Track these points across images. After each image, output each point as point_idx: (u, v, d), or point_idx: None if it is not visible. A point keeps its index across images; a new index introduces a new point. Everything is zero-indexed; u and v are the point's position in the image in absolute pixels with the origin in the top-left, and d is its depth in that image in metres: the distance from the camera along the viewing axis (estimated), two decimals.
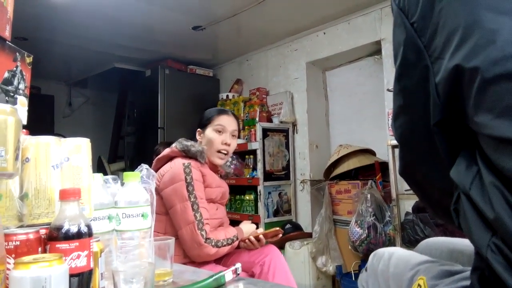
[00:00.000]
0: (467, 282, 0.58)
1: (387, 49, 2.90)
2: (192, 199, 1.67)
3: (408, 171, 0.65)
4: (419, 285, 0.66)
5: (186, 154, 1.79)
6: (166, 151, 1.86)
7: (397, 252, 0.90)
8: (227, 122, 1.89)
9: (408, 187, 2.31)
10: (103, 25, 3.27)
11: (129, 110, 4.51)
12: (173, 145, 1.85)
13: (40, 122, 4.48)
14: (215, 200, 1.84)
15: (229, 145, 1.88)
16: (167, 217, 1.72)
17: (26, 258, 0.65)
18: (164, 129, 3.89)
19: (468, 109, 0.47)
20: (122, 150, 4.81)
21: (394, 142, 2.18)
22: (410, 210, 2.33)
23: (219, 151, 1.85)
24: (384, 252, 0.94)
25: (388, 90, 2.46)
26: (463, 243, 0.94)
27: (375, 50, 3.17)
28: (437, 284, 0.64)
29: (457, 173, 0.51)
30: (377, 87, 3.15)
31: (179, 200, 1.67)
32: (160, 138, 3.84)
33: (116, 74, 4.53)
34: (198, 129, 1.92)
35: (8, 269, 0.66)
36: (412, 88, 0.56)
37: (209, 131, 1.87)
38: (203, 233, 1.63)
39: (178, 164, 1.74)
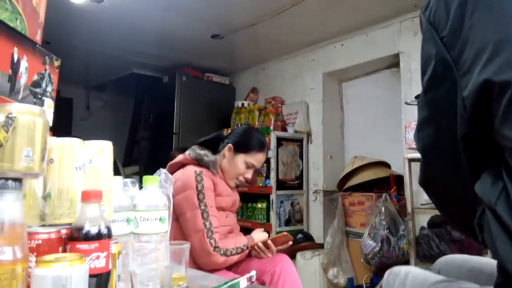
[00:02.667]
0: None
1: (405, 62, 2.89)
2: (202, 207, 1.67)
3: (429, 183, 0.64)
4: None
5: (199, 162, 1.80)
6: (179, 157, 1.87)
7: (413, 271, 0.89)
8: (260, 161, 1.90)
9: (424, 202, 2.28)
10: (123, 31, 3.34)
11: (145, 115, 4.57)
12: (187, 152, 1.86)
13: (59, 124, 4.53)
14: (225, 208, 1.84)
15: (247, 179, 1.90)
16: (177, 223, 1.73)
17: (48, 257, 0.67)
18: (179, 135, 3.93)
19: (495, 123, 0.47)
20: (137, 154, 4.86)
21: (411, 155, 2.16)
22: (425, 224, 2.29)
23: (236, 179, 1.87)
24: (400, 270, 0.93)
25: (406, 103, 2.44)
26: (483, 262, 0.92)
27: (393, 63, 3.16)
28: None
29: (482, 188, 0.51)
30: (393, 100, 3.13)
31: (189, 207, 1.68)
32: (175, 143, 3.88)
33: (134, 80, 4.60)
34: (230, 146, 1.86)
35: (30, 267, 0.67)
36: (439, 101, 0.56)
37: (240, 160, 1.84)
38: (212, 241, 1.63)
39: (190, 171, 1.75)
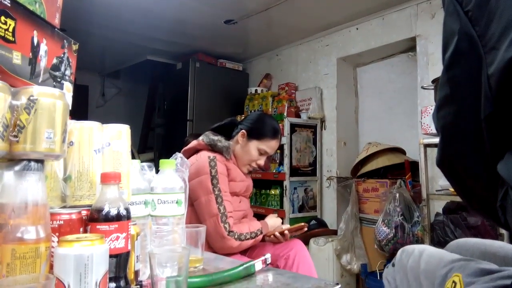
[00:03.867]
0: (507, 282, 0.57)
1: (422, 46, 2.83)
2: (216, 192, 1.69)
3: (448, 163, 0.63)
4: (453, 281, 0.65)
5: (212, 148, 1.81)
6: (193, 143, 1.89)
7: (428, 249, 0.88)
8: (273, 148, 1.90)
9: (439, 188, 2.26)
10: (138, 18, 3.34)
11: (159, 102, 4.60)
12: (200, 138, 1.88)
13: (75, 111, 4.61)
14: (239, 194, 1.86)
15: (259, 165, 1.90)
16: (192, 208, 1.75)
17: (70, 237, 0.69)
18: (193, 122, 3.95)
19: None
20: (152, 141, 4.91)
21: (427, 140, 2.13)
22: (440, 211, 2.27)
23: (249, 165, 1.88)
24: (414, 248, 0.92)
25: (423, 87, 2.40)
26: (496, 245, 0.91)
27: (409, 46, 3.10)
28: (473, 281, 0.62)
29: (505, 168, 0.49)
30: (409, 84, 3.08)
31: (203, 192, 1.70)
32: (189, 130, 3.90)
33: (148, 67, 4.62)
34: (243, 132, 1.87)
35: (53, 246, 0.69)
36: (461, 78, 0.55)
37: (253, 146, 1.85)
38: (227, 225, 1.65)
39: (203, 157, 1.76)
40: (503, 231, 1.82)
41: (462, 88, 0.56)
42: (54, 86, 0.79)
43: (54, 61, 0.77)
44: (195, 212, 1.74)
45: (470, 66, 0.53)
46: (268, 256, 1.02)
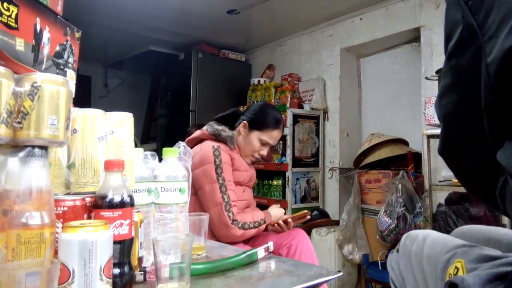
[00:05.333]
0: (510, 268, 0.57)
1: (427, 36, 2.81)
2: (220, 181, 1.69)
3: (449, 151, 0.63)
4: (456, 267, 0.66)
5: (216, 137, 1.81)
6: (197, 133, 1.89)
7: (432, 235, 0.88)
8: (275, 139, 1.90)
9: (442, 179, 2.26)
10: (140, 8, 3.32)
11: (162, 93, 4.59)
12: (204, 127, 1.88)
13: (78, 101, 4.61)
14: (242, 183, 1.86)
15: (262, 155, 1.90)
16: (195, 197, 1.76)
17: (74, 223, 0.69)
18: (195, 112, 3.94)
19: None
20: (155, 131, 4.92)
21: (430, 131, 2.12)
22: (442, 202, 2.27)
23: (252, 156, 1.88)
24: (418, 234, 0.92)
25: (427, 78, 2.38)
26: (501, 232, 0.91)
27: (414, 37, 3.07)
28: (476, 267, 0.62)
29: (505, 156, 0.50)
30: (413, 75, 3.06)
31: (208, 181, 1.70)
32: (192, 121, 3.90)
33: (151, 57, 4.61)
34: (245, 123, 1.87)
35: (57, 232, 0.70)
36: (463, 67, 0.55)
37: (255, 137, 1.85)
38: (230, 214, 1.66)
39: (208, 146, 1.77)
40: (505, 221, 1.82)
41: (464, 77, 0.56)
42: (57, 74, 0.79)
43: (57, 48, 0.77)
44: (199, 201, 1.75)
45: (471, 55, 0.53)
46: (270, 244, 1.03)
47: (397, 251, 0.94)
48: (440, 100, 0.61)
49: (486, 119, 0.52)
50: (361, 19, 3.31)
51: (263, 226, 1.76)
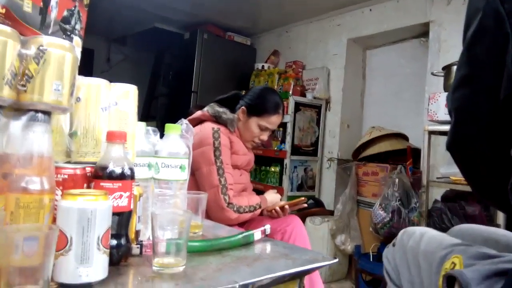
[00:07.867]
0: (508, 265, 0.57)
1: (435, 32, 2.78)
2: (218, 164, 1.69)
3: (459, 145, 0.62)
4: (453, 262, 0.66)
5: (217, 119, 1.80)
6: (197, 113, 1.88)
7: (430, 232, 0.89)
8: (275, 123, 1.88)
9: (440, 176, 2.26)
10: None
11: (164, 72, 4.55)
12: (205, 108, 1.87)
13: (79, 73, 4.59)
14: (240, 167, 1.86)
15: (263, 140, 1.88)
16: (193, 177, 1.75)
17: (74, 191, 0.69)
18: (197, 93, 3.92)
19: None
20: (155, 110, 4.89)
21: (432, 127, 2.12)
22: (439, 198, 2.28)
23: (252, 141, 1.87)
24: (415, 230, 0.93)
25: (433, 73, 2.37)
26: (499, 232, 0.92)
27: (422, 32, 3.04)
28: (474, 263, 0.63)
29: None
30: (419, 70, 3.04)
31: (205, 163, 1.70)
32: (193, 101, 3.88)
33: (155, 35, 4.55)
34: (243, 108, 1.86)
35: (56, 199, 0.69)
36: (482, 57, 0.54)
37: (254, 123, 1.84)
38: (226, 197, 1.66)
39: (207, 128, 1.76)
40: (500, 222, 1.83)
41: (482, 67, 0.54)
42: (64, 39, 0.77)
43: (65, 13, 0.75)
44: (196, 182, 1.75)
45: (493, 45, 0.51)
46: (267, 227, 1.03)
47: (393, 245, 0.94)
48: (453, 92, 0.60)
49: (504, 112, 0.51)
50: (370, 10, 3.27)
51: (258, 211, 1.77)
